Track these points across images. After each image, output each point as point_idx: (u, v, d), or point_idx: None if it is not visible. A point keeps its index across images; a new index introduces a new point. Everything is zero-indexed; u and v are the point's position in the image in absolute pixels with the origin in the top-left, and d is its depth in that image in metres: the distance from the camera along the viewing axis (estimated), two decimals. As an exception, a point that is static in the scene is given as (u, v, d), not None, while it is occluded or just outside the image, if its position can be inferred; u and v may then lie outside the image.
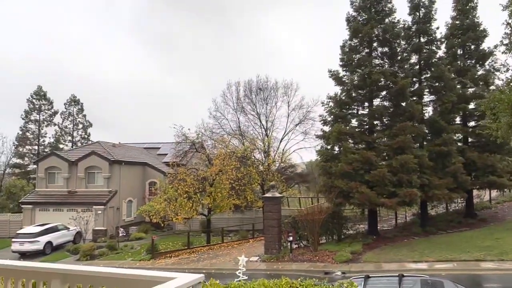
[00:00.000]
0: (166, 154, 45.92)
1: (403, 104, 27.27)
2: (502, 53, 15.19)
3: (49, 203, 37.47)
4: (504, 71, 15.03)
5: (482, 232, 26.37)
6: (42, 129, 59.13)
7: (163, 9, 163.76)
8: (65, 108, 61.85)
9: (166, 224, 34.19)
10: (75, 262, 27.34)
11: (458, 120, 31.30)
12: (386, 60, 28.39)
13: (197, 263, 24.61)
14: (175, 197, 29.63)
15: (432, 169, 26.37)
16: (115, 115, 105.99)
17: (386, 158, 26.29)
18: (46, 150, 56.43)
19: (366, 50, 28.17)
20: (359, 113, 28.39)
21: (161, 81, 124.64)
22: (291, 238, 24.72)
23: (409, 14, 30.42)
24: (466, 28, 31.31)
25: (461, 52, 32.02)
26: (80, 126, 62.66)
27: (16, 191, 45.30)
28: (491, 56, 31.01)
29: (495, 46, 30.15)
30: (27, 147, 58.24)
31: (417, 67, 30.16)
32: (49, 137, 59.79)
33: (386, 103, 28.08)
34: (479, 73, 31.31)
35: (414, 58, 30.19)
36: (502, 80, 15.45)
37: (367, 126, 27.92)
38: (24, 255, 29.28)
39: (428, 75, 29.99)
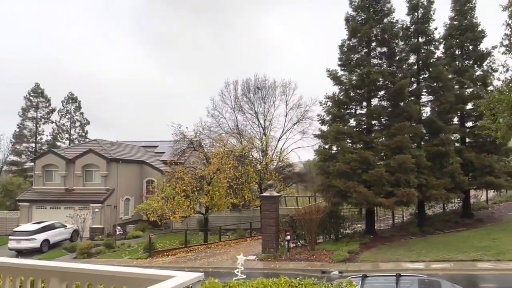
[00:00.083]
0: (164, 152, 45.87)
1: (401, 104, 27.32)
2: (502, 53, 15.20)
3: (46, 201, 37.38)
4: (504, 72, 15.03)
5: (479, 232, 26.45)
6: (39, 126, 59.04)
7: (163, 9, 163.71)
8: (63, 106, 61.77)
9: (163, 223, 34.12)
10: (72, 260, 27.32)
11: (456, 120, 31.40)
12: (385, 60, 28.44)
13: (195, 262, 24.61)
14: (173, 196, 29.61)
15: (430, 169, 26.42)
16: (114, 114, 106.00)
17: (384, 158, 26.36)
18: (43, 147, 56.33)
19: (365, 50, 28.21)
20: (357, 112, 28.41)
21: (160, 80, 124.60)
22: (288, 237, 24.73)
23: (408, 14, 30.44)
24: (465, 29, 31.37)
25: (459, 52, 32.08)
26: (78, 124, 62.57)
27: (13, 188, 45.21)
28: (489, 56, 31.09)
29: (493, 47, 30.37)
30: (24, 144, 58.14)
31: (415, 67, 30.20)
32: (46, 135, 59.80)
33: (384, 103, 28.16)
34: (477, 73, 31.38)
35: (412, 58, 30.22)
36: (501, 80, 15.44)
37: (365, 126, 27.95)
38: (20, 253, 29.22)
39: (426, 75, 30.04)
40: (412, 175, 24.89)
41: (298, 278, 5.61)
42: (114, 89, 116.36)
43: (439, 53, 31.12)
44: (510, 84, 14.33)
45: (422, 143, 28.80)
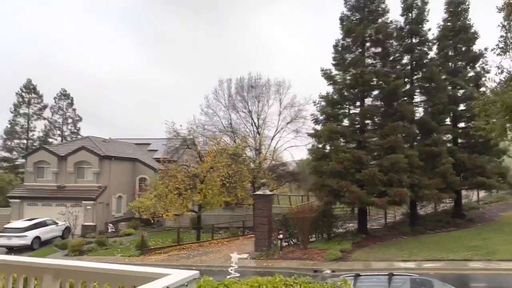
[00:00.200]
0: (157, 150, 45.72)
1: (395, 104, 27.45)
2: (497, 55, 15.32)
3: (37, 197, 37.11)
4: (499, 73, 15.14)
5: (470, 232, 26.66)
6: (31, 122, 58.63)
7: (162, 8, 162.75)
8: (55, 102, 61.36)
9: (156, 221, 34.04)
10: (63, 257, 27.12)
11: (448, 121, 31.58)
12: (378, 60, 28.53)
13: (187, 260, 24.56)
14: (166, 194, 29.52)
15: (422, 169, 26.57)
16: (107, 111, 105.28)
17: (377, 157, 26.46)
18: (35, 144, 55.92)
19: (359, 50, 28.28)
20: (351, 112, 28.49)
21: (155, 78, 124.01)
22: (281, 236, 24.77)
23: (402, 15, 30.56)
24: (458, 30, 31.58)
25: (453, 53, 32.26)
26: (70, 120, 62.19)
27: (4, 185, 44.79)
28: (481, 57, 31.34)
29: (486, 49, 30.65)
30: (15, 140, 57.69)
31: (409, 67, 30.35)
32: (38, 131, 59.36)
33: (378, 103, 28.25)
34: (470, 74, 31.63)
35: (406, 59, 30.36)
36: (495, 81, 15.57)
37: (358, 126, 28.05)
38: (11, 250, 28.97)
39: (420, 76, 30.20)
40: (404, 175, 25.02)
41: (293, 277, 5.61)
42: (108, 87, 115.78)
43: (432, 54, 31.33)
44: (505, 86, 14.45)
45: (415, 143, 28.96)
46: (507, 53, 15.00)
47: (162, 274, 3.29)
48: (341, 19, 28.32)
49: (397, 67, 29.10)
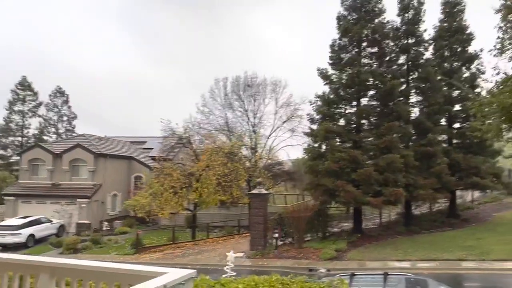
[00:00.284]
0: (153, 148, 45.57)
1: (391, 104, 27.52)
2: (494, 56, 15.41)
3: (32, 195, 36.93)
4: (495, 74, 15.23)
5: (464, 232, 26.80)
6: (26, 120, 58.32)
7: (156, 4, 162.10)
8: (50, 100, 61.04)
9: (151, 219, 33.98)
10: (58, 255, 27.02)
11: (443, 121, 31.69)
12: (375, 60, 28.56)
13: (182, 259, 24.55)
14: (161, 192, 29.47)
15: (417, 169, 26.65)
16: (102, 109, 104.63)
17: (373, 157, 26.50)
18: (30, 141, 55.65)
19: (355, 50, 28.31)
20: (347, 112, 28.54)
21: (150, 76, 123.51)
22: (276, 235, 24.80)
23: (398, 15, 30.59)
24: (454, 31, 31.71)
25: (448, 54, 32.38)
26: (65, 118, 61.90)
27: (-2, 182, 44.54)
28: (477, 58, 31.50)
29: (481, 50, 30.85)
30: (10, 138, 57.36)
31: (405, 67, 30.42)
32: (33, 129, 59.04)
33: (374, 103, 28.31)
34: (465, 75, 31.78)
35: (402, 59, 30.43)
36: (492, 82, 15.65)
37: (354, 125, 28.10)
38: (5, 248, 28.81)
39: (416, 76, 30.29)
40: (400, 174, 25.10)
41: (289, 276, 5.61)
42: (104, 85, 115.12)
43: (428, 54, 31.39)
44: (501, 87, 14.54)
45: (410, 143, 29.03)
46: (504, 54, 15.09)
47: (159, 272, 3.28)
48: (338, 19, 28.34)
49: (393, 67, 29.17)
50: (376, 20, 27.95)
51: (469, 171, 29.08)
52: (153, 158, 40.80)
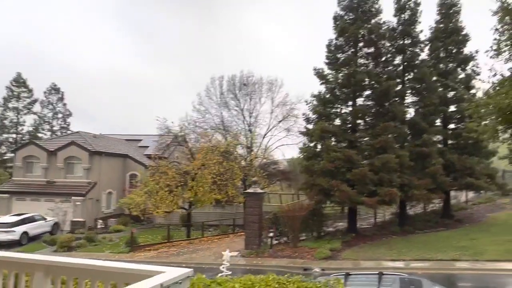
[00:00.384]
0: (148, 146, 45.42)
1: (387, 104, 27.60)
2: (491, 57, 15.48)
3: (26, 192, 36.72)
4: (492, 76, 15.30)
5: (458, 232, 26.94)
6: (20, 117, 57.93)
7: (152, 2, 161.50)
8: (45, 97, 60.68)
9: (146, 217, 33.88)
10: (51, 253, 26.89)
11: (438, 122, 31.84)
12: (371, 60, 28.62)
13: (177, 257, 24.50)
14: (156, 190, 29.40)
15: (412, 170, 26.76)
16: (98, 106, 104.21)
17: (368, 157, 26.57)
18: (24, 138, 55.32)
19: (352, 50, 28.35)
20: (343, 111, 28.60)
21: (146, 73, 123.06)
22: (271, 234, 24.82)
23: (395, 16, 30.70)
24: (450, 32, 31.87)
25: (444, 55, 32.53)
26: (60, 115, 61.55)
27: (-8, 179, 44.29)
28: (472, 60, 31.67)
29: (476, 51, 31.01)
30: (4, 135, 57.00)
31: (401, 68, 30.52)
32: (28, 126, 58.68)
33: (369, 103, 28.39)
34: (461, 76, 31.95)
35: (398, 59, 30.53)
36: (488, 82, 15.73)
37: (350, 125, 28.14)
38: (-1, 245, 28.66)
39: (411, 77, 30.41)
40: (395, 175, 25.18)
41: (286, 275, 5.62)
42: (99, 83, 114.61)
43: (424, 55, 31.59)
44: (498, 88, 14.62)
45: (406, 143, 29.13)
46: (500, 56, 15.18)
47: (156, 271, 3.27)
48: (335, 19, 28.37)
49: (389, 67, 29.24)
50: (373, 21, 28.01)
51: (463, 172, 29.25)
52: (149, 156, 40.67)
